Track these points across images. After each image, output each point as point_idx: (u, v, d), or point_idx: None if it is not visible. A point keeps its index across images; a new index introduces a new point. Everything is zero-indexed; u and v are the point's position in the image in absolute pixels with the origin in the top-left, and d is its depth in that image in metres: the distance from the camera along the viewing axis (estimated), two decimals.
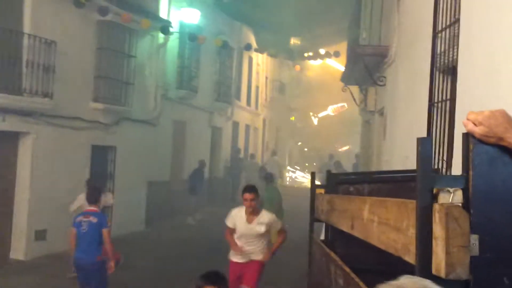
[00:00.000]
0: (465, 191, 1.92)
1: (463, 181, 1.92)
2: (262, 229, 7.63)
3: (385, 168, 9.74)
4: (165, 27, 15.78)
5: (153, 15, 15.81)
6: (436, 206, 1.92)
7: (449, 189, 1.94)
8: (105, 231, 7.97)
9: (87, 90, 13.49)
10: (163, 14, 16.91)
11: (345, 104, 34.77)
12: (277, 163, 28.06)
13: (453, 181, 1.97)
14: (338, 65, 28.38)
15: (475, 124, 1.90)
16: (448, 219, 1.83)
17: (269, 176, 13.71)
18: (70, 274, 9.76)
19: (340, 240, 5.02)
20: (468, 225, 1.85)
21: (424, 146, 1.99)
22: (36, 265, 11.25)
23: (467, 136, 1.94)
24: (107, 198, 10.46)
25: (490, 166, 1.90)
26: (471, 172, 1.90)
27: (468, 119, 1.93)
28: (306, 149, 41.82)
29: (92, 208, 8.17)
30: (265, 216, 7.73)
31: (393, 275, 2.19)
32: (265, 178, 13.68)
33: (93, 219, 7.96)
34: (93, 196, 8.29)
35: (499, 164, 1.90)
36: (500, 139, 1.87)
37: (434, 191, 1.97)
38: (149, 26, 14.71)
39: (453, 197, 1.93)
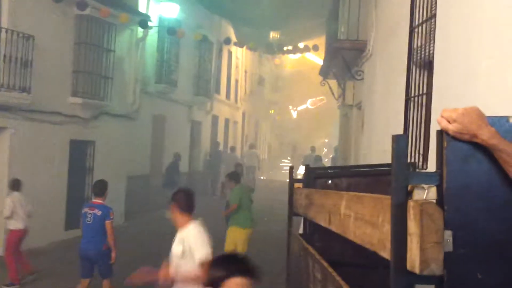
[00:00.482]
0: (439, 188, 1.94)
1: (437, 178, 1.95)
2: (179, 249, 5.30)
3: (363, 161, 9.81)
4: (144, 21, 15.69)
5: (132, 9, 15.72)
6: (410, 203, 1.94)
7: (423, 185, 1.97)
8: (108, 223, 8.30)
9: (66, 85, 13.39)
10: (142, 8, 16.83)
11: (324, 98, 34.90)
12: (255, 155, 27.86)
13: (428, 178, 1.99)
14: (317, 59, 28.47)
15: (449, 122, 1.92)
16: (422, 216, 1.86)
17: (235, 176, 11.00)
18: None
19: (318, 234, 5.06)
20: (442, 221, 1.87)
21: (399, 143, 2.01)
22: None
23: (441, 133, 1.96)
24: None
25: (464, 163, 1.93)
26: (445, 169, 1.92)
27: (442, 117, 1.95)
28: (282, 142, 41.85)
29: (98, 200, 8.47)
30: (190, 230, 5.37)
31: (371, 269, 2.23)
32: (231, 177, 10.92)
33: (98, 212, 8.29)
34: (99, 189, 8.56)
35: (473, 161, 1.93)
36: (473, 136, 1.90)
37: (409, 187, 2.00)
38: (128, 20, 14.62)
39: (427, 193, 1.96)
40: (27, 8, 11.90)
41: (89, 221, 8.30)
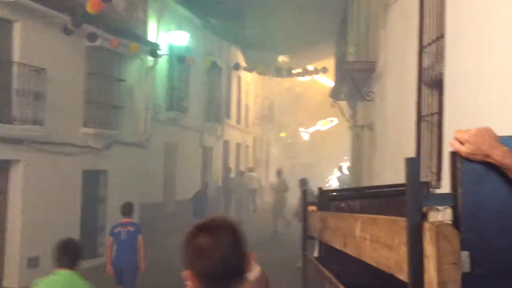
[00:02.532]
0: (454, 209, 1.94)
1: (452, 199, 1.95)
2: None
3: (376, 182, 9.77)
4: (153, 50, 15.83)
5: (141, 39, 15.86)
6: (426, 225, 1.94)
7: (438, 207, 1.97)
8: (140, 237, 9.46)
9: (78, 115, 13.49)
10: (151, 37, 16.98)
11: (334, 119, 34.90)
12: (255, 179, 27.08)
13: (442, 199, 1.99)
14: (326, 81, 28.54)
15: (461, 143, 1.93)
16: (438, 237, 1.86)
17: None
18: None
19: (333, 257, 5.03)
20: (458, 242, 1.87)
21: (412, 166, 2.02)
22: None
23: (454, 155, 1.97)
24: None
25: (478, 184, 1.93)
26: (459, 190, 1.93)
27: (455, 138, 1.96)
28: (294, 164, 41.66)
29: (127, 219, 9.67)
30: None
31: None
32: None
33: (131, 228, 9.54)
34: (128, 210, 9.79)
35: (486, 181, 1.93)
36: (486, 156, 1.90)
37: (424, 209, 2.00)
38: (138, 50, 14.75)
39: (442, 215, 1.96)
40: (39, 42, 12.04)
41: (124, 238, 9.42)
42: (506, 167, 1.89)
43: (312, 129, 41.21)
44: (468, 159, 1.93)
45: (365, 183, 12.14)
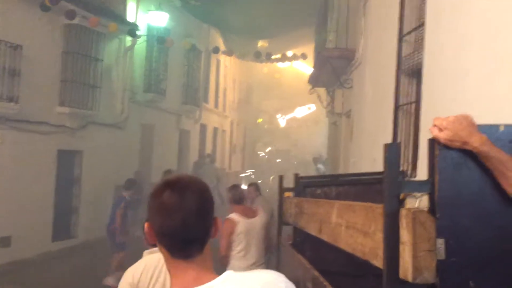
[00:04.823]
0: (431, 196, 1.94)
1: (429, 186, 1.95)
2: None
3: (352, 170, 9.82)
4: (132, 30, 15.66)
5: (120, 19, 15.68)
6: (403, 211, 1.94)
7: (415, 194, 1.97)
8: (118, 210, 10.85)
9: (54, 94, 13.31)
10: (130, 17, 16.79)
11: (312, 106, 34.96)
12: (214, 171, 23.95)
13: (419, 186, 1.99)
14: (305, 67, 28.53)
15: (440, 129, 1.93)
16: (414, 224, 1.86)
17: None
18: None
19: (308, 243, 5.04)
20: (434, 229, 1.88)
21: (391, 152, 2.01)
22: (0, 272, 11.06)
23: (432, 142, 1.97)
24: None
25: (455, 171, 1.93)
26: (436, 177, 1.93)
27: (433, 125, 1.95)
28: (270, 151, 41.69)
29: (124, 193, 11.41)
30: None
31: (362, 277, 2.23)
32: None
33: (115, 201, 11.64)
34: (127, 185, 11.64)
35: (464, 168, 1.94)
36: (464, 143, 1.90)
37: (401, 196, 2.00)
38: (117, 29, 14.58)
39: (419, 202, 1.96)
40: (15, 18, 11.83)
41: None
42: (483, 154, 1.89)
43: (289, 116, 41.23)
44: (446, 146, 1.93)
45: (342, 171, 12.20)
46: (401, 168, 5.58)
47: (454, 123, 1.91)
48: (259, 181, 19.20)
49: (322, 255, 4.77)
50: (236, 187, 7.41)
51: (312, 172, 22.37)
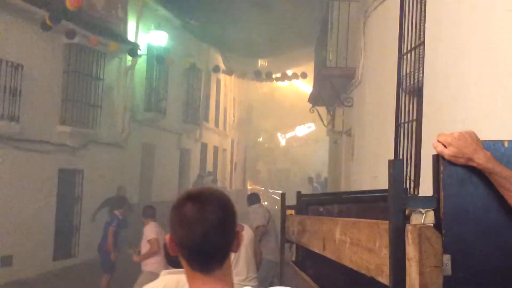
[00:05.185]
0: (437, 212, 1.95)
1: (435, 202, 1.96)
2: None
3: (354, 188, 9.81)
4: (133, 50, 15.74)
5: (121, 38, 15.78)
6: (408, 227, 1.95)
7: (421, 210, 1.97)
8: (111, 229, 10.75)
9: (55, 113, 13.35)
10: (131, 36, 16.89)
11: (312, 125, 35.02)
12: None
13: (425, 202, 2.00)
14: (305, 86, 28.59)
15: (444, 146, 1.94)
16: (421, 240, 1.86)
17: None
18: None
19: (311, 261, 5.03)
20: (440, 245, 1.88)
21: (395, 168, 2.02)
22: None
23: (437, 158, 1.98)
24: None
25: (460, 187, 1.94)
26: (442, 193, 1.94)
27: (438, 141, 1.97)
28: (271, 170, 41.71)
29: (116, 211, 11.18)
30: None
31: None
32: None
33: (109, 219, 11.14)
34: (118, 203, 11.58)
35: (469, 184, 1.94)
36: (469, 160, 1.91)
37: (406, 212, 2.00)
38: (117, 49, 14.67)
39: (425, 218, 1.96)
40: (16, 37, 11.90)
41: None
42: (488, 171, 1.90)
43: (289, 135, 41.29)
44: (451, 162, 1.94)
45: (343, 189, 12.19)
46: (403, 186, 5.61)
47: (459, 140, 1.92)
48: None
49: (325, 273, 4.76)
50: None
51: (307, 192, 22.28)
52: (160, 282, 3.90)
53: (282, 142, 42.37)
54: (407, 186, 5.68)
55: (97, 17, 14.79)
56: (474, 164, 1.91)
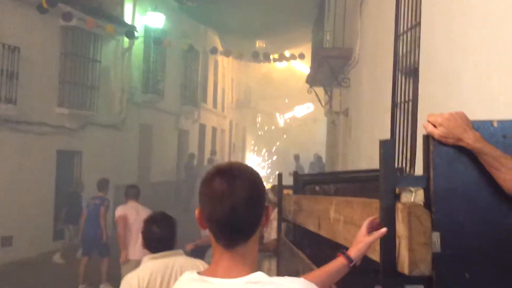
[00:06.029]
0: (427, 191, 1.99)
1: (424, 181, 1.99)
2: None
3: (351, 167, 9.86)
4: (129, 32, 15.70)
5: (117, 20, 15.73)
6: (399, 206, 1.99)
7: (411, 188, 2.01)
8: (101, 208, 10.29)
9: (52, 96, 13.37)
10: (127, 18, 16.84)
11: (311, 105, 34.96)
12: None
13: (415, 181, 2.04)
14: (303, 67, 28.53)
15: (434, 126, 1.98)
16: (410, 218, 1.90)
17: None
18: None
19: (307, 240, 5.08)
20: (429, 223, 1.92)
21: (386, 148, 2.06)
22: (2, 272, 11.10)
23: (427, 138, 2.01)
24: None
25: (450, 166, 1.98)
26: (431, 172, 1.97)
27: (428, 121, 2.00)
28: (269, 150, 41.70)
29: (99, 194, 10.57)
30: None
31: (362, 272, 2.28)
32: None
33: (97, 201, 10.41)
34: (99, 185, 10.71)
35: (458, 164, 1.98)
36: (458, 140, 1.95)
37: (397, 191, 2.04)
38: (114, 31, 14.63)
39: (415, 196, 2.00)
40: (12, 20, 11.88)
41: (91, 210, 10.31)
42: (477, 151, 1.94)
43: (288, 115, 41.23)
44: (440, 142, 1.98)
45: (340, 168, 12.24)
46: (399, 165, 5.65)
47: (449, 120, 1.96)
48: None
49: (321, 252, 4.82)
50: None
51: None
52: (145, 270, 3.83)
53: (281, 122, 42.30)
54: (403, 164, 5.73)
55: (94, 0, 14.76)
56: (463, 144, 1.95)
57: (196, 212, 1.81)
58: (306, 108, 37.61)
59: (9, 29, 11.73)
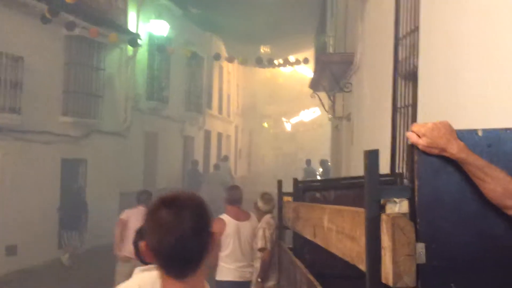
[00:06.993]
0: (411, 201, 1.98)
1: (409, 191, 1.99)
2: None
3: (354, 173, 9.84)
4: (133, 40, 15.74)
5: (121, 28, 15.78)
6: (383, 217, 1.98)
7: (395, 199, 2.00)
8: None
9: (56, 104, 13.42)
10: (131, 26, 16.89)
11: (316, 110, 34.95)
12: (228, 170, 23.71)
13: (399, 192, 2.03)
14: (308, 72, 28.53)
15: (419, 136, 1.97)
16: (394, 229, 1.89)
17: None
18: None
19: (307, 247, 5.07)
20: (413, 234, 1.91)
21: (371, 159, 2.05)
22: (7, 281, 11.13)
23: (412, 148, 2.01)
24: None
25: (435, 177, 1.97)
26: (416, 183, 1.97)
27: (412, 131, 2.00)
28: (277, 155, 41.66)
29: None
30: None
31: (360, 280, 2.27)
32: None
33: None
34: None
35: (443, 174, 1.97)
36: (442, 150, 1.94)
37: (382, 201, 2.03)
38: (117, 39, 14.67)
39: (400, 207, 1.99)
40: (16, 30, 11.93)
41: None
42: (461, 161, 1.93)
43: (294, 120, 41.19)
44: (425, 153, 1.97)
45: (344, 174, 12.23)
46: (399, 171, 5.64)
47: (433, 131, 1.95)
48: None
49: (321, 259, 4.81)
50: (235, 188, 7.44)
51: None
52: (134, 281, 3.82)
53: (287, 127, 42.27)
54: (403, 170, 5.71)
55: (96, 8, 14.79)
56: (447, 155, 1.94)
57: (141, 245, 1.80)
58: (313, 113, 37.58)
59: (13, 39, 11.79)
